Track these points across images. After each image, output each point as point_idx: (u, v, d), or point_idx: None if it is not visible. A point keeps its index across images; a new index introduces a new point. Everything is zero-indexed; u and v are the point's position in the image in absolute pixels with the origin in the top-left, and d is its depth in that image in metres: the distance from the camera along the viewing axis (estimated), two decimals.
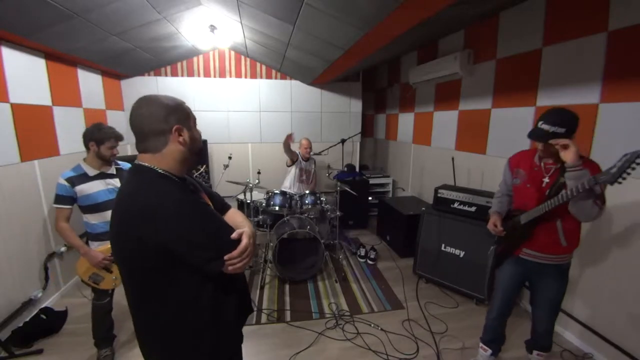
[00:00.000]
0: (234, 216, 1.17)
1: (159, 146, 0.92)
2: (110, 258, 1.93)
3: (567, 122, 1.48)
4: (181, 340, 0.95)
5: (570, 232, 1.64)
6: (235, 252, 0.90)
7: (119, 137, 1.98)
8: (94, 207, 1.92)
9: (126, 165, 2.13)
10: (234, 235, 0.92)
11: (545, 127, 1.50)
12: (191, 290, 0.92)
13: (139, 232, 0.84)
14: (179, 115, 0.94)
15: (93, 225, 1.96)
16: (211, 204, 1.11)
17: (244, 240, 0.92)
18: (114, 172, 2.02)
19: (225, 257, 0.89)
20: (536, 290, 1.84)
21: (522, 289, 1.96)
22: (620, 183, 1.31)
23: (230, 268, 0.90)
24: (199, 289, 0.93)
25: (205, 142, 4.54)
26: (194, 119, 1.01)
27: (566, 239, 1.64)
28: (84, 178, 1.90)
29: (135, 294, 0.96)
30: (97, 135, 1.90)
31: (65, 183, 1.85)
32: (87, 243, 1.98)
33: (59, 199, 1.86)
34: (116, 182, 2.01)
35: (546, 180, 1.66)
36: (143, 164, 0.92)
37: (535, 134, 1.56)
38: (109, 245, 1.93)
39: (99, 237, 1.97)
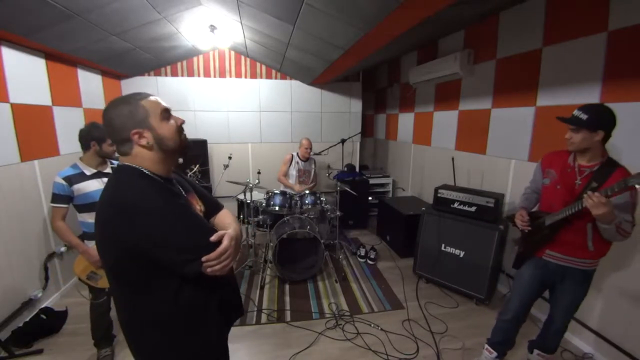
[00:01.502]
0: (223, 217, 1.17)
1: (127, 151, 0.92)
2: None
3: (593, 111, 1.49)
4: (159, 338, 0.95)
5: (600, 238, 1.57)
6: (212, 255, 0.87)
7: None
8: (91, 206, 1.91)
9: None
10: (213, 238, 0.89)
11: (575, 112, 1.53)
12: (169, 290, 0.92)
13: (114, 231, 0.84)
14: (136, 116, 0.89)
15: (90, 224, 1.95)
16: (201, 205, 1.11)
17: (224, 243, 0.90)
18: (110, 171, 2.02)
19: (203, 259, 0.86)
20: (556, 292, 1.79)
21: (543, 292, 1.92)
22: None
23: (208, 270, 0.88)
24: (177, 289, 0.92)
25: (205, 142, 4.53)
26: (160, 111, 0.92)
27: (594, 244, 1.59)
28: (82, 177, 1.90)
29: (115, 290, 0.96)
30: (98, 134, 1.90)
31: (63, 182, 1.85)
32: (83, 242, 1.97)
33: (57, 197, 1.86)
34: None
35: (578, 182, 1.60)
36: (125, 163, 0.92)
37: (563, 118, 1.57)
38: None
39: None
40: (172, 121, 0.95)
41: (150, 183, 0.90)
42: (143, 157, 0.92)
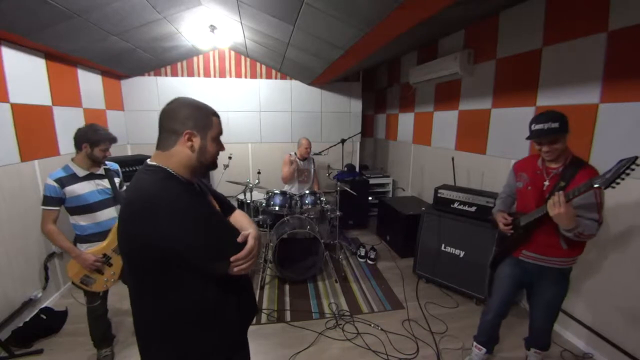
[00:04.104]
0: (239, 219, 1.17)
1: (168, 144, 0.94)
2: (101, 260, 1.88)
3: (557, 117, 1.53)
4: (180, 338, 0.95)
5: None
6: (242, 254, 0.92)
7: (113, 140, 1.94)
8: (84, 209, 1.88)
9: (114, 166, 2.09)
10: (239, 239, 0.94)
11: (539, 126, 1.56)
12: (194, 291, 0.93)
13: (145, 231, 0.85)
14: (199, 122, 0.95)
15: (82, 227, 1.91)
16: (217, 207, 1.12)
17: (250, 242, 0.95)
18: (103, 173, 1.98)
19: (232, 259, 0.91)
20: (534, 291, 1.84)
21: (521, 289, 1.98)
22: (613, 187, 1.35)
23: (235, 269, 0.92)
24: (201, 289, 0.94)
25: None
26: (217, 132, 1.00)
27: (566, 242, 1.63)
28: (74, 179, 1.85)
29: (136, 290, 0.96)
30: (92, 137, 1.85)
31: (54, 184, 1.79)
32: (75, 246, 1.92)
33: (48, 200, 1.80)
34: (105, 183, 1.97)
35: (546, 183, 1.67)
36: (154, 163, 0.94)
37: (533, 135, 1.59)
38: (100, 247, 1.89)
39: (88, 238, 1.92)
40: (218, 145, 1.02)
41: (179, 184, 0.92)
42: (179, 157, 0.94)
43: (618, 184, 1.33)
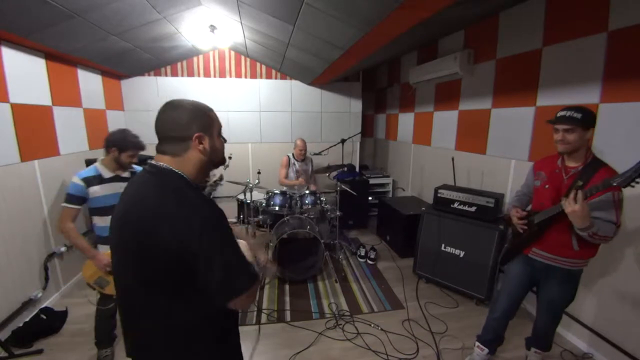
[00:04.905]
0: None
1: (179, 151, 0.90)
2: None
3: (584, 110, 1.53)
4: (184, 349, 0.92)
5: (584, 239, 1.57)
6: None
7: (141, 148, 2.00)
8: (103, 210, 1.91)
9: (139, 169, 2.12)
10: (264, 263, 0.98)
11: (563, 112, 1.56)
12: (204, 296, 0.87)
13: (167, 236, 0.80)
14: (203, 122, 0.92)
15: (102, 228, 1.95)
16: None
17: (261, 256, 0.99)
18: (129, 176, 2.03)
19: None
20: (541, 290, 1.83)
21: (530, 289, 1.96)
22: (633, 187, 1.33)
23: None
24: (205, 303, 0.89)
25: None
26: (219, 126, 0.99)
27: (579, 243, 1.61)
28: (99, 180, 1.91)
29: (139, 300, 0.90)
30: (121, 143, 1.91)
31: (81, 183, 1.85)
32: (95, 246, 1.95)
33: (71, 198, 1.85)
34: None
35: (565, 181, 1.65)
36: (164, 165, 0.89)
37: (554, 119, 1.59)
38: None
39: (108, 240, 1.93)
40: (222, 139, 1.01)
41: (197, 191, 0.90)
42: (192, 162, 0.91)
43: (638, 183, 1.31)
